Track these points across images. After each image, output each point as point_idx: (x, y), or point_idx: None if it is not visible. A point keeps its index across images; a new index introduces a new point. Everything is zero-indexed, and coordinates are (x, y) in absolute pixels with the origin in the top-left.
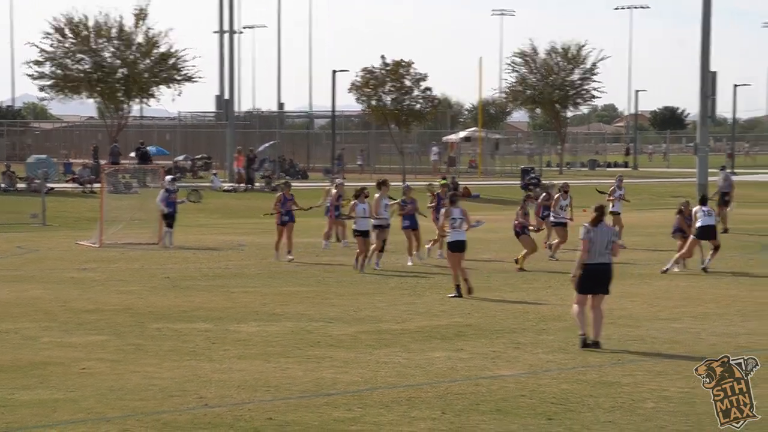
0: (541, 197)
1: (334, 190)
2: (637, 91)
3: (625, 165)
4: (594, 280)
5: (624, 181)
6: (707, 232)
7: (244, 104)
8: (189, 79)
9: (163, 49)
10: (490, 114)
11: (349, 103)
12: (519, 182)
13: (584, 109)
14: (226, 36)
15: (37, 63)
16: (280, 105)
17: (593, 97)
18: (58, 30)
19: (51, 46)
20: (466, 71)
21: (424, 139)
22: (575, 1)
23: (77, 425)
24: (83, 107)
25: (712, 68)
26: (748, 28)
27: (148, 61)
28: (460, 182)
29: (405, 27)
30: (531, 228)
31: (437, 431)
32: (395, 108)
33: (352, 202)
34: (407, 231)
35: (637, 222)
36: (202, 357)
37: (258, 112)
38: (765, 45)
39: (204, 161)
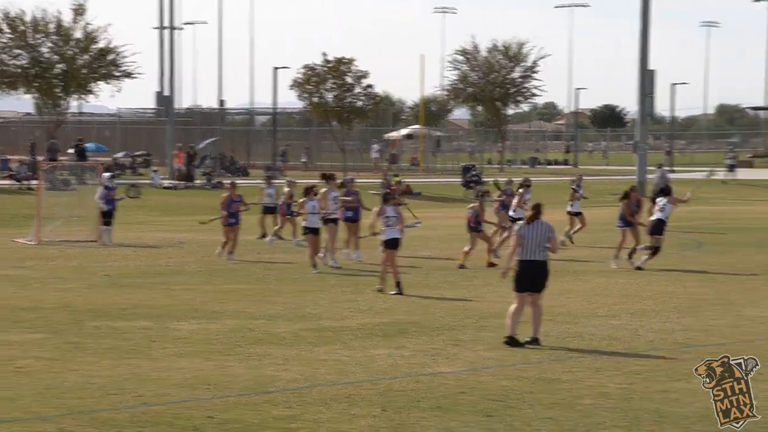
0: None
1: (286, 188)
2: (577, 89)
3: (566, 162)
4: (529, 277)
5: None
6: (655, 227)
7: (184, 101)
8: (128, 75)
9: (101, 44)
10: (431, 111)
11: (290, 100)
12: (460, 180)
13: (525, 107)
14: (167, 32)
15: None
16: (221, 102)
17: (534, 95)
18: None
19: None
20: (408, 69)
21: (366, 137)
22: None
23: (13, 424)
24: (20, 103)
25: (651, 67)
26: (686, 28)
27: (86, 56)
28: (403, 180)
29: (347, 24)
30: (490, 223)
31: (377, 428)
32: (337, 105)
33: (302, 200)
34: (347, 223)
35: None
36: (141, 355)
37: (199, 108)
38: (702, 44)
39: (144, 158)
